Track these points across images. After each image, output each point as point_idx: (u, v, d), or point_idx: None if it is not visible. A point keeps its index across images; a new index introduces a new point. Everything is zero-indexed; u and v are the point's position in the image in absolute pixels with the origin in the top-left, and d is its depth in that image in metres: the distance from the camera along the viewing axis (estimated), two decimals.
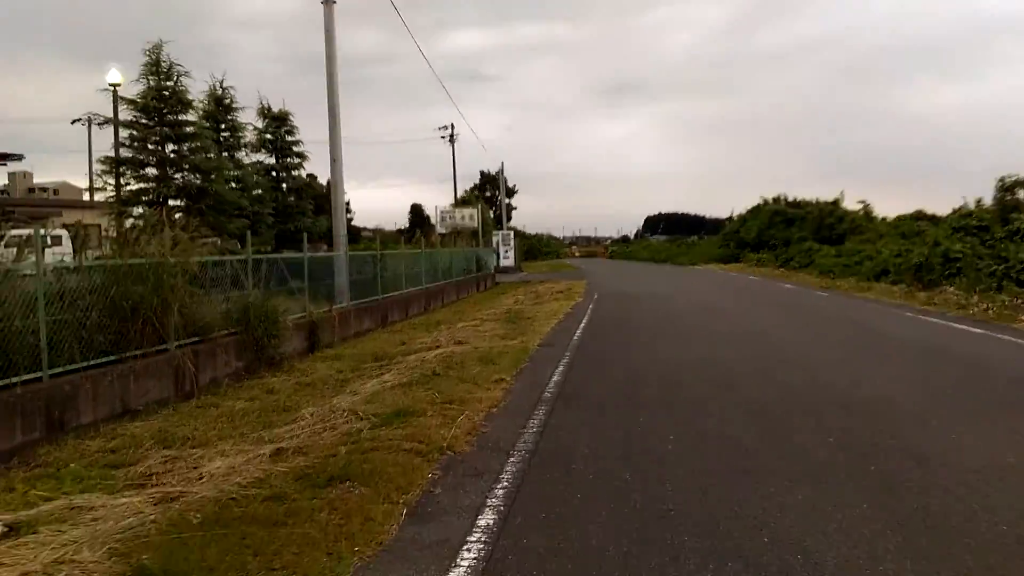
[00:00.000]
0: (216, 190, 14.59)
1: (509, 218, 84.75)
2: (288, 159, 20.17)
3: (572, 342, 12.28)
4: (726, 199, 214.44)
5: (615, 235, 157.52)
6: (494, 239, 47.17)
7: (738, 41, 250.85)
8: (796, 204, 48.44)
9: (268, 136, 19.88)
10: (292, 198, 20.93)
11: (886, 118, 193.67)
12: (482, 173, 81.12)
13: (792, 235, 42.83)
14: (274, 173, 20.33)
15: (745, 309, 17.68)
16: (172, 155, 14.59)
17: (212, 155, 15.76)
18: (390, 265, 19.57)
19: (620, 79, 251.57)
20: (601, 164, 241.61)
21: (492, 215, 62.50)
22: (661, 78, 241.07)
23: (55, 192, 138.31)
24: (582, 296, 23.52)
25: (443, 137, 58.64)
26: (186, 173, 14.68)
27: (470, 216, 47.27)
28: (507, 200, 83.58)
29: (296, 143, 20.77)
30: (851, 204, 43.74)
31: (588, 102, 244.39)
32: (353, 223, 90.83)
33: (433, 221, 48.54)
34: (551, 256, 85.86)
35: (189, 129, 14.56)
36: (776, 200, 49.52)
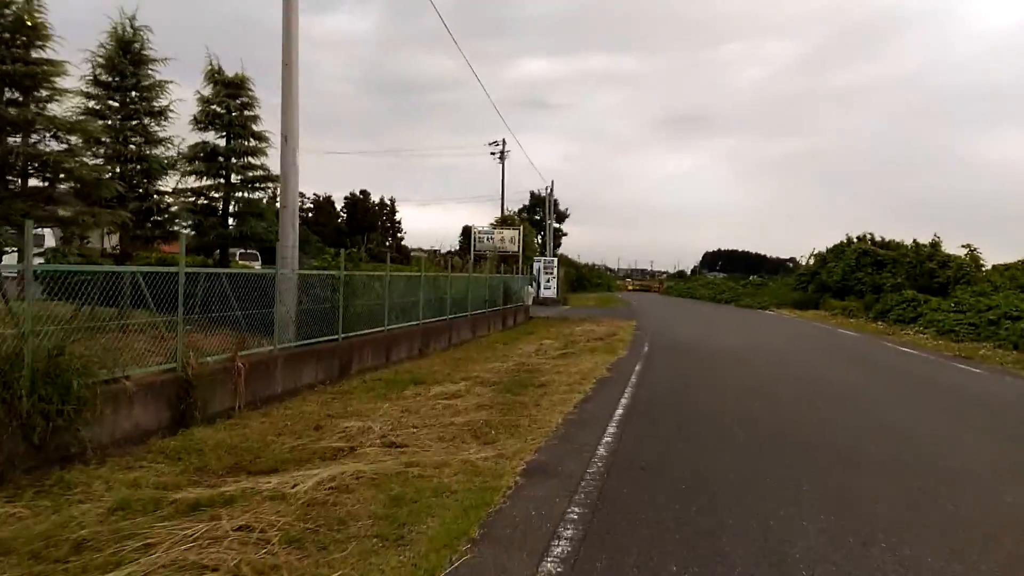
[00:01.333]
0: (67, 166, 9.60)
1: (558, 244, 79.42)
2: (243, 141, 15.18)
3: (594, 463, 6.75)
4: (787, 239, 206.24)
5: (671, 270, 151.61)
6: (535, 266, 41.80)
7: (808, 79, 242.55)
8: (886, 245, 41.80)
9: (216, 108, 14.93)
10: (244, 193, 15.87)
11: (954, 164, 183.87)
12: (532, 194, 76.00)
13: (883, 281, 36.32)
14: (221, 158, 15.26)
15: (880, 394, 11.68)
16: None
17: (76, 116, 10.90)
18: (365, 291, 14.31)
19: (685, 113, 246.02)
20: (661, 197, 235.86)
21: (539, 240, 57.36)
22: (727, 113, 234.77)
23: None
24: (627, 347, 17.91)
25: (493, 153, 54.12)
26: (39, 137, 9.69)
27: (511, 239, 42.11)
28: (556, 224, 78.28)
29: (254, 119, 15.70)
30: (950, 248, 37.13)
31: (651, 134, 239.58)
32: (404, 242, 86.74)
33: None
34: (602, 288, 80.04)
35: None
36: (862, 239, 42.92)
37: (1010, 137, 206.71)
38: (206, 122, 15.01)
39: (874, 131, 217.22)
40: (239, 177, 15.68)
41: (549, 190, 51.73)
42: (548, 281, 41.27)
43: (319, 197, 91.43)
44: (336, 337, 12.33)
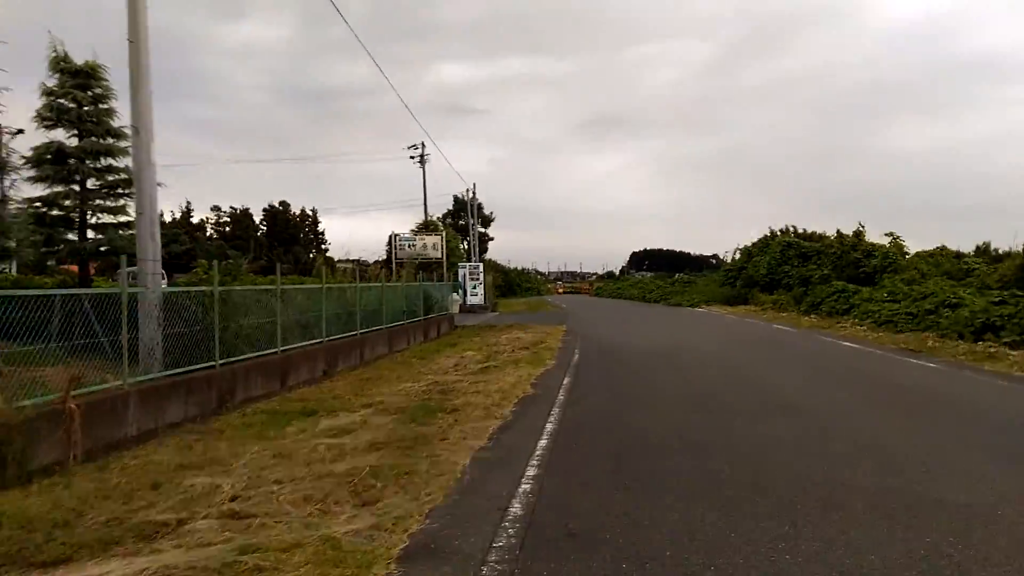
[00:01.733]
0: None
1: (484, 249, 77.88)
2: (98, 139, 12.86)
3: (504, 529, 5.02)
4: (711, 236, 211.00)
5: (600, 271, 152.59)
6: (460, 272, 40.06)
7: (722, 78, 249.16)
8: (810, 237, 41.79)
9: (63, 102, 12.57)
10: (105, 200, 13.47)
11: (868, 155, 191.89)
12: (456, 198, 73.95)
13: (811, 272, 36.06)
14: (72, 160, 12.89)
15: (844, 402, 10.10)
16: None
17: None
18: (255, 309, 12.29)
19: (605, 114, 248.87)
20: (586, 199, 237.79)
21: (465, 246, 55.68)
22: (646, 114, 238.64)
23: None
24: (556, 356, 16.39)
25: (412, 157, 52.08)
26: None
27: (433, 245, 40.26)
28: (481, 228, 76.63)
29: (110, 112, 13.35)
30: (872, 237, 37.22)
31: (574, 137, 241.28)
32: (329, 253, 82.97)
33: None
34: (532, 292, 78.88)
35: None
36: (786, 231, 42.85)
37: (918, 126, 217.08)
38: (53, 119, 12.66)
39: (790, 126, 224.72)
40: (97, 182, 13.35)
41: (471, 193, 50.01)
42: (475, 287, 39.54)
43: (236, 210, 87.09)
44: (212, 364, 10.32)
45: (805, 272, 36.58)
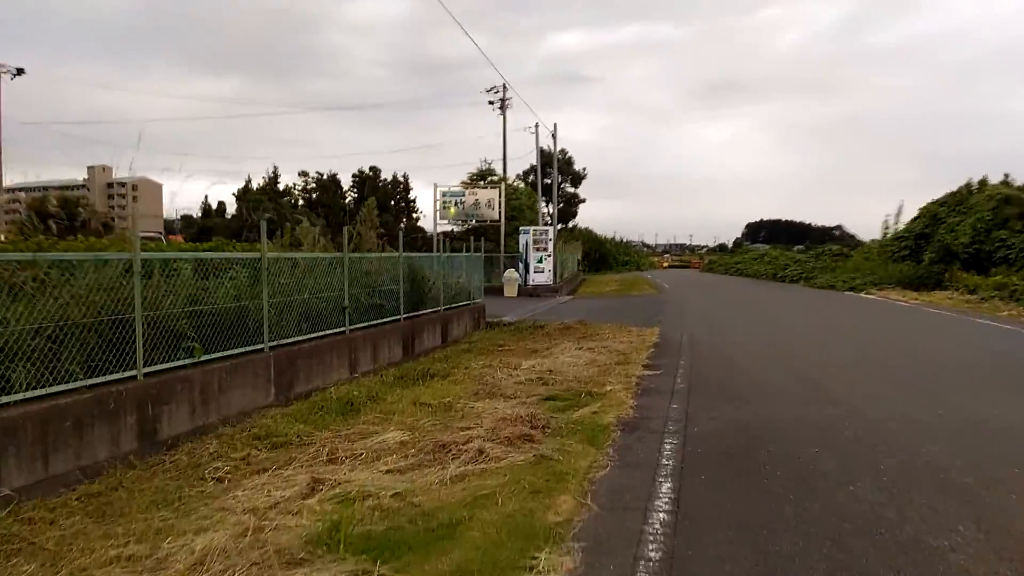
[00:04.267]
0: None
1: (573, 214, 66.57)
2: None
3: None
4: (832, 207, 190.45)
5: (712, 243, 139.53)
6: (521, 239, 29.56)
7: (849, 40, 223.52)
8: None
9: None
10: None
11: (1003, 121, 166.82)
12: (541, 151, 63.19)
13: None
14: None
15: None
16: None
17: None
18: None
19: (722, 80, 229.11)
20: (699, 168, 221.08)
21: (547, 208, 44.94)
22: (765, 79, 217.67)
23: (134, 187, 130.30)
24: (622, 429, 5.80)
25: (491, 102, 41.89)
26: None
27: (488, 202, 29.93)
28: (570, 188, 65.32)
29: None
30: None
31: (688, 104, 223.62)
32: (420, 222, 74.04)
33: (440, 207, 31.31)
34: (630, 266, 67.24)
35: None
36: (1004, 184, 29.68)
37: None
38: None
39: (920, 91, 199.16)
40: None
41: (553, 136, 39.17)
42: (541, 261, 28.92)
43: (321, 176, 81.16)
44: None
45: None
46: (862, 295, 27.93)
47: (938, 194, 32.23)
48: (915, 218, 34.64)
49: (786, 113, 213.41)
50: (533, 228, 29.12)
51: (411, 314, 13.39)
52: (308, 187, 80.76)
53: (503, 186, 30.26)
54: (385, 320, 12.21)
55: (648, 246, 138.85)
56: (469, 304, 17.37)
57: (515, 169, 64.87)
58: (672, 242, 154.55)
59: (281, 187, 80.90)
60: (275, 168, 77.37)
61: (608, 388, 8.56)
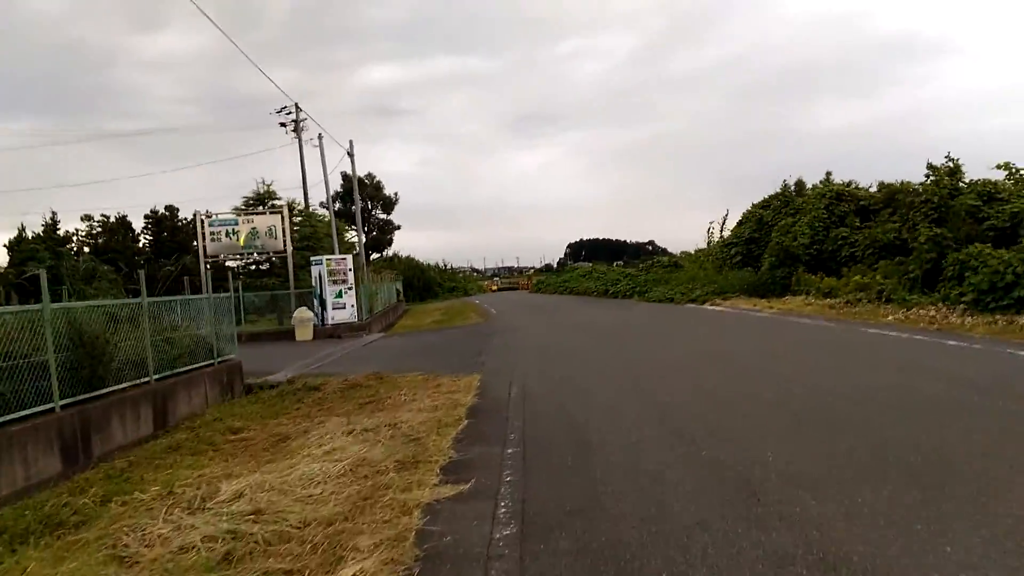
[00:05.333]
0: None
1: (387, 241, 61.67)
2: None
3: None
4: (645, 225, 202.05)
5: (539, 264, 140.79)
6: (314, 271, 24.24)
7: (646, 68, 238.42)
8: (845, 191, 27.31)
9: None
10: None
11: (791, 138, 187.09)
12: (344, 176, 57.36)
13: (887, 236, 21.76)
14: None
15: None
16: None
17: None
18: None
19: (534, 110, 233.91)
20: (521, 195, 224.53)
21: (357, 238, 39.76)
22: (573, 108, 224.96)
23: None
24: None
25: (283, 124, 36.03)
26: None
27: (268, 230, 24.44)
28: (383, 214, 60.37)
29: None
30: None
31: (503, 134, 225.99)
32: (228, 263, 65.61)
33: (214, 238, 25.17)
34: (457, 292, 63.19)
35: None
36: (826, 182, 28.45)
37: (836, 107, 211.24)
38: None
39: (714, 113, 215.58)
40: None
41: (350, 154, 33.80)
42: (340, 295, 23.67)
43: (107, 219, 69.92)
44: None
45: (882, 235, 22.16)
46: (707, 306, 25.19)
47: (742, 208, 30.91)
48: (740, 223, 33.16)
49: (595, 139, 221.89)
50: (327, 258, 23.80)
51: (82, 397, 8.01)
52: (93, 232, 69.69)
53: (286, 210, 24.79)
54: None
55: (477, 271, 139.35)
56: (211, 364, 11.98)
57: (319, 196, 58.79)
58: (501, 265, 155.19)
59: (61, 233, 69.09)
60: (54, 213, 65.31)
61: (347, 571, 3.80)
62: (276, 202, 27.84)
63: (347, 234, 57.45)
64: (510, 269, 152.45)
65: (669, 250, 59.45)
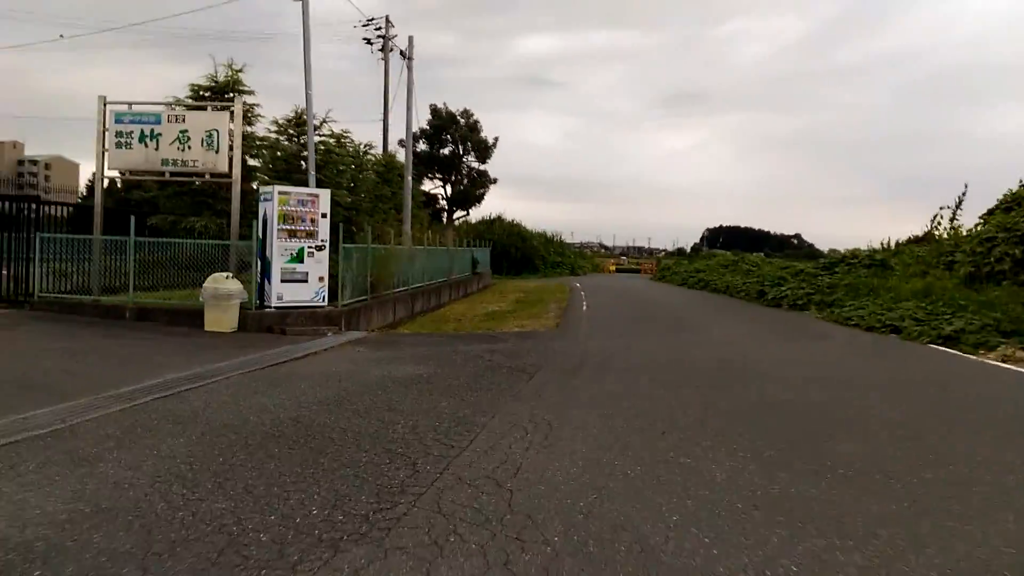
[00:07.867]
0: None
1: (480, 196, 51.32)
2: None
3: None
4: (790, 216, 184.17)
5: (671, 247, 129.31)
6: (262, 209, 13.88)
7: (811, 56, 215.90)
8: None
9: None
10: None
11: (957, 140, 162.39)
12: (433, 110, 47.30)
13: None
14: None
15: None
16: None
17: None
18: None
19: (686, 89, 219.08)
20: (660, 175, 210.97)
21: (410, 164, 29.76)
22: (728, 90, 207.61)
23: (47, 166, 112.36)
24: None
25: (368, 41, 27.26)
26: None
27: (206, 138, 14.37)
28: (478, 163, 50.00)
29: None
30: None
31: (651, 112, 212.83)
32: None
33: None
34: (562, 269, 52.47)
35: None
36: None
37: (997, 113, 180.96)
38: None
39: (879, 108, 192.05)
40: None
41: (409, 43, 23.83)
42: (300, 258, 13.54)
43: None
44: None
45: None
46: (989, 360, 12.47)
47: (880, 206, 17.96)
48: (1006, 207, 20.23)
49: (747, 124, 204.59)
50: (281, 189, 13.53)
51: None
52: None
53: (238, 107, 14.76)
54: None
55: (606, 247, 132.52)
56: None
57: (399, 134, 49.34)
58: (631, 244, 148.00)
59: None
60: None
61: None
62: (248, 99, 17.90)
63: (427, 184, 47.83)
64: (639, 249, 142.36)
65: (816, 246, 46.65)
